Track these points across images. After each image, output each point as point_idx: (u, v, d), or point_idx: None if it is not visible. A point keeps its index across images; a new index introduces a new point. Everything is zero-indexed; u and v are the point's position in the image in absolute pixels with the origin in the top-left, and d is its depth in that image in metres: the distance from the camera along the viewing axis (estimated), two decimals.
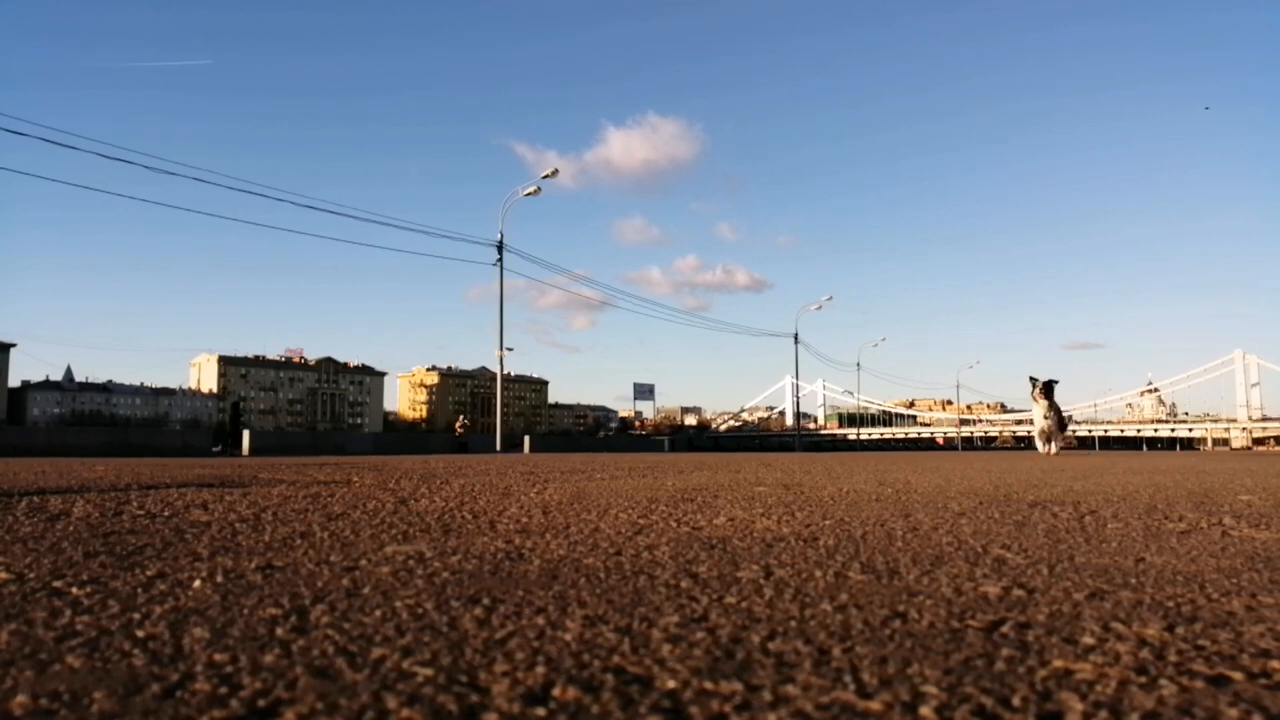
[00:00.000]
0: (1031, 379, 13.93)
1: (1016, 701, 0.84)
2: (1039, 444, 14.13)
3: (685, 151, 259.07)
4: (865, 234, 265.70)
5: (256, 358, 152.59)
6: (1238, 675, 0.93)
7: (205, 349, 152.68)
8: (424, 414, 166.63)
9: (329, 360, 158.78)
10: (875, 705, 0.82)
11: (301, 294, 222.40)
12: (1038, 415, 13.97)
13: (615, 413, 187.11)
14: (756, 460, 10.77)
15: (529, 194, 30.85)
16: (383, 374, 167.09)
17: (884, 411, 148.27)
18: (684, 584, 1.45)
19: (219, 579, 1.47)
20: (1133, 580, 1.51)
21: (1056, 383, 13.93)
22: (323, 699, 0.83)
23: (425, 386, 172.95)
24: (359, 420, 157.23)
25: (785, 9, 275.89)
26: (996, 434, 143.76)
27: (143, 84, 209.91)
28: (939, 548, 1.93)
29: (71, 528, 2.22)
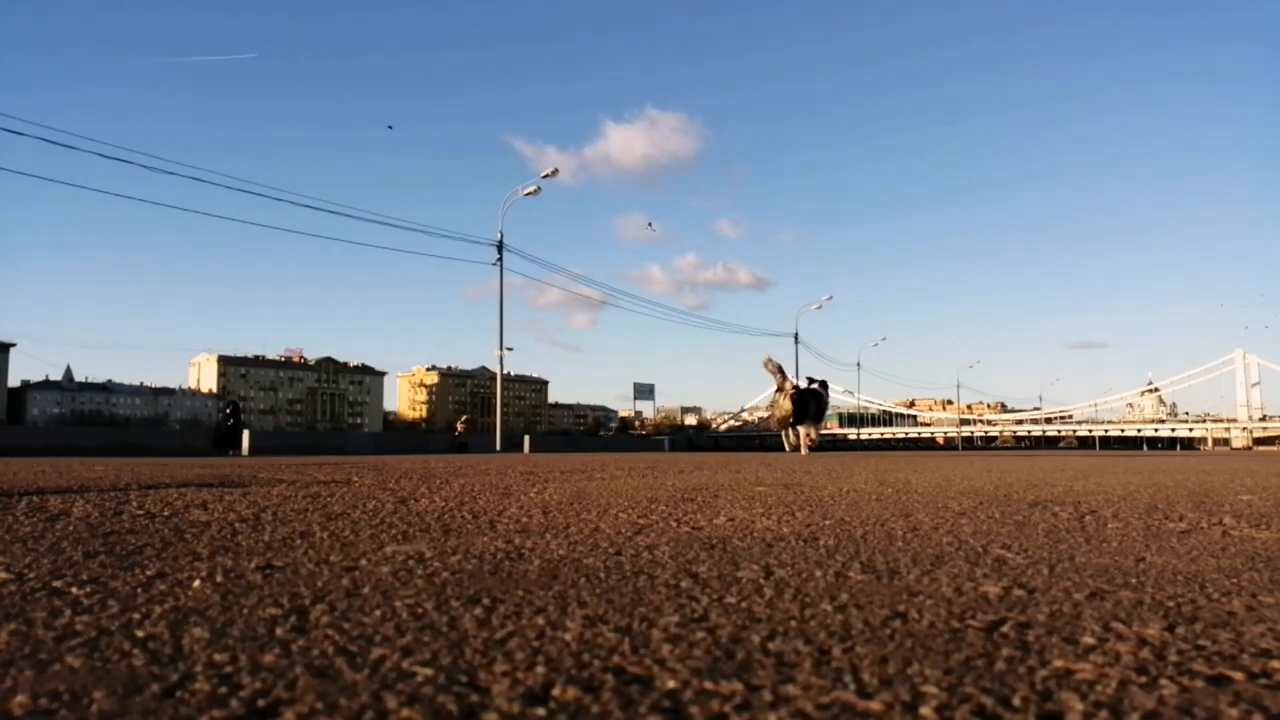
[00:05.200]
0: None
1: (1017, 701, 0.84)
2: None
3: (686, 147, 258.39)
4: (867, 232, 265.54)
5: (256, 358, 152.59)
6: (1238, 675, 0.93)
7: (205, 349, 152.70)
8: (424, 414, 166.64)
9: (329, 360, 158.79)
10: (875, 705, 0.82)
11: (301, 294, 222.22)
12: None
13: (615, 413, 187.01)
14: (757, 460, 10.77)
15: (529, 194, 30.85)
16: (382, 374, 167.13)
17: (884, 411, 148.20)
18: (684, 584, 1.45)
19: (219, 579, 1.47)
20: (1133, 580, 1.51)
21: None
22: (323, 699, 0.83)
23: (425, 386, 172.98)
24: (359, 420, 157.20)
25: (787, 3, 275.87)
26: (997, 434, 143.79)
27: (143, 84, 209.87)
28: (939, 547, 1.93)
29: (71, 527, 2.22)
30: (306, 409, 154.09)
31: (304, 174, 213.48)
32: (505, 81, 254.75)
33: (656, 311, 76.73)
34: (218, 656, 0.98)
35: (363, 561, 1.67)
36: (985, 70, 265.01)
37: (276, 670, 0.93)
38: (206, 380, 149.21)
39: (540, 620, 1.17)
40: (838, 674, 0.92)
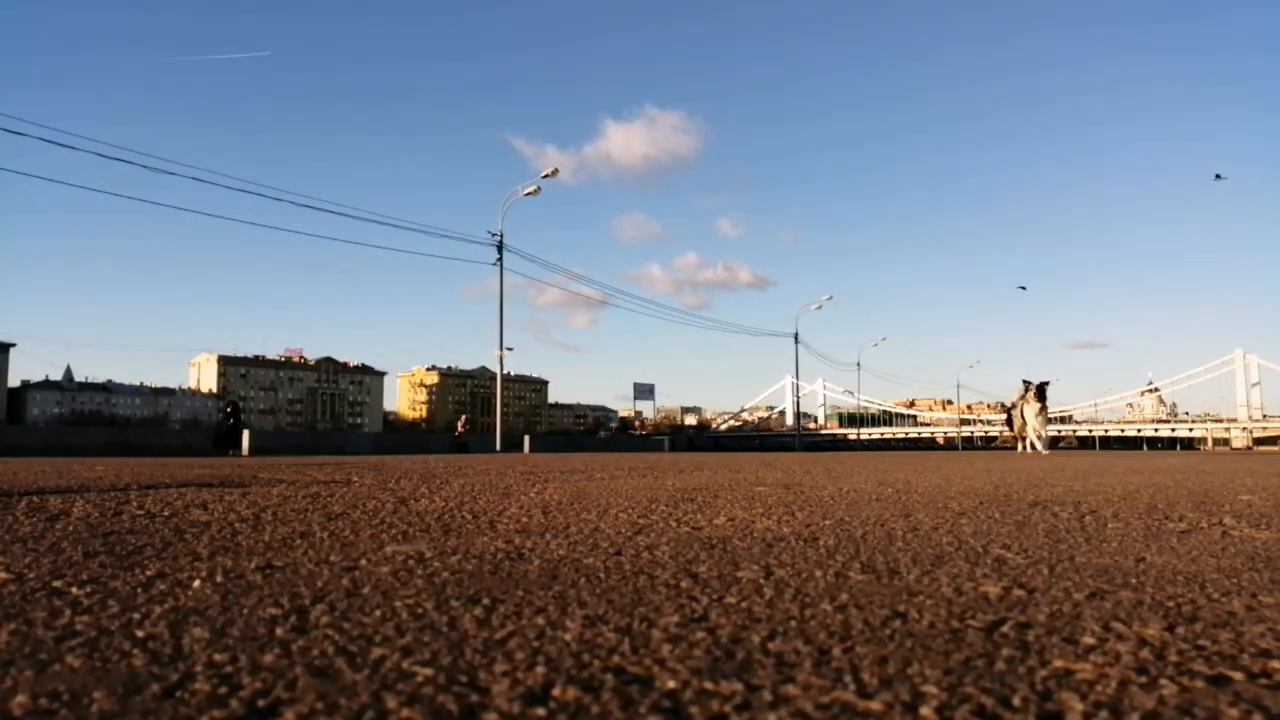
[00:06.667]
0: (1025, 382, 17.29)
1: (1017, 701, 0.84)
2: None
3: (686, 145, 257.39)
4: (868, 231, 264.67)
5: (256, 357, 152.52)
6: (1238, 675, 0.93)
7: (205, 349, 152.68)
8: (424, 414, 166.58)
9: (329, 360, 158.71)
10: (875, 705, 0.82)
11: (301, 294, 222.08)
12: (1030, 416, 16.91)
13: (615, 413, 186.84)
14: (757, 460, 10.78)
15: (529, 193, 30.81)
16: (382, 374, 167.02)
17: (884, 411, 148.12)
18: (684, 584, 1.45)
19: (219, 579, 1.47)
20: (1133, 580, 1.51)
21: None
22: (323, 699, 0.83)
23: (425, 386, 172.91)
24: (359, 420, 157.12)
25: (788, 2, 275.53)
26: (997, 434, 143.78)
27: (147, 83, 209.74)
28: (939, 548, 1.93)
29: (71, 527, 2.22)
30: (306, 409, 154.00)
31: (304, 174, 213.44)
32: (505, 80, 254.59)
33: (656, 311, 76.86)
34: (218, 656, 0.98)
35: (363, 561, 1.67)
36: (984, 70, 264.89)
37: (276, 670, 0.93)
38: (206, 380, 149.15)
39: (540, 620, 1.17)
40: (838, 674, 0.92)
